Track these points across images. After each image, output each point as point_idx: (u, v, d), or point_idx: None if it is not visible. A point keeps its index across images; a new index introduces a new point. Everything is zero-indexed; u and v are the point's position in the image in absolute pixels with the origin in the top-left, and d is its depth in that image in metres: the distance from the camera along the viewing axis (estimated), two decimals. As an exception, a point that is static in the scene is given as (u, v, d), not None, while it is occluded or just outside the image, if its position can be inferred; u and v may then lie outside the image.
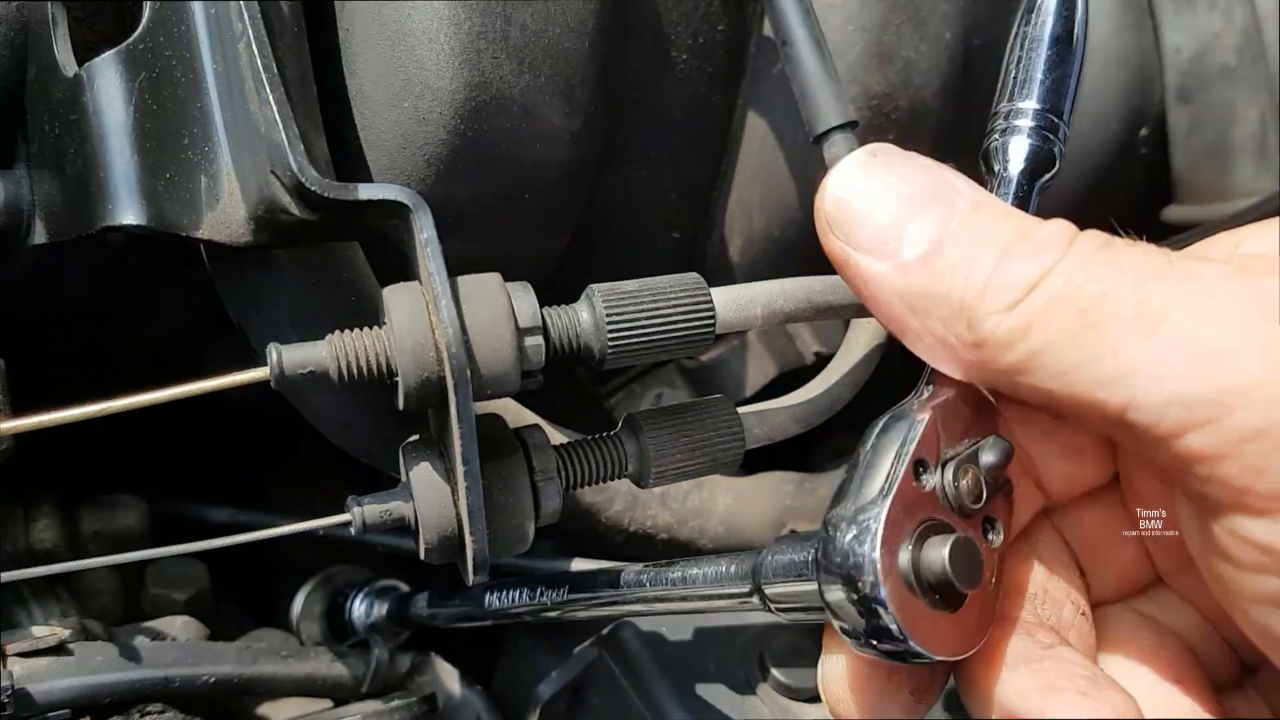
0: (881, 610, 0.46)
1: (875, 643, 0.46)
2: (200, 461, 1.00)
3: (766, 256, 0.92)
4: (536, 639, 0.83)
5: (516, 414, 0.73)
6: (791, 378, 0.95)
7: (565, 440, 0.82)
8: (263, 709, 0.79)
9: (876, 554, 0.46)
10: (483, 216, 0.71)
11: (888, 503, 0.47)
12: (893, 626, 0.46)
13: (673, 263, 0.92)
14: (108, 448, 0.95)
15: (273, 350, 0.53)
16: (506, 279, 0.63)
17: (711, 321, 0.60)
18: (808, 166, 0.88)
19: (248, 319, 0.61)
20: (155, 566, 0.87)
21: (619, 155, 0.83)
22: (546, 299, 0.58)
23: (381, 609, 0.87)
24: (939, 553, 0.46)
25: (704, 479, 0.94)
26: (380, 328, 0.55)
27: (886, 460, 0.49)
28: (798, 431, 0.68)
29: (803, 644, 0.74)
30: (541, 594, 0.67)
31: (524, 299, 0.57)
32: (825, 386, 0.69)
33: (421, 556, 0.59)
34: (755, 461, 0.85)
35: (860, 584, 0.46)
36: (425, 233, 0.53)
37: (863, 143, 0.75)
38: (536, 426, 0.62)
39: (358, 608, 0.89)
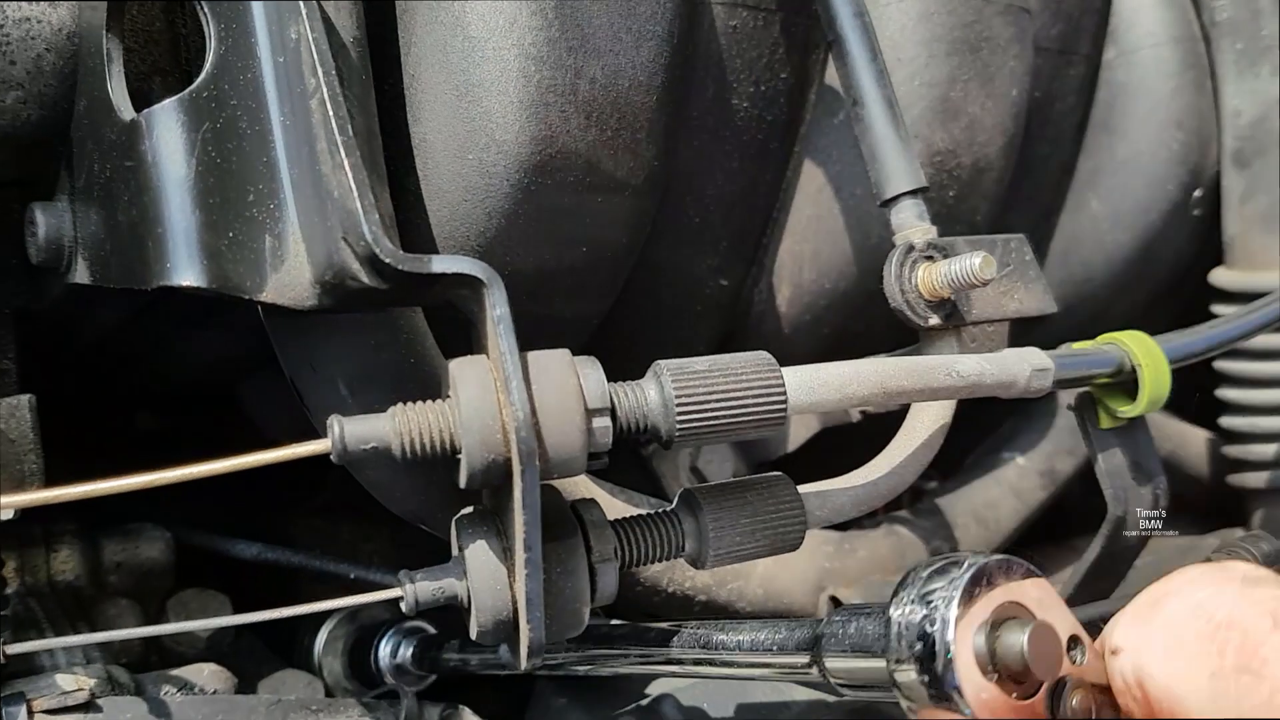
0: (955, 695, 0.44)
1: None
2: (224, 489, 0.97)
3: (815, 309, 0.90)
4: (568, 698, 0.80)
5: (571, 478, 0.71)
6: (835, 435, 0.93)
7: (604, 492, 0.81)
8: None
9: (952, 635, 0.44)
10: (538, 272, 0.69)
11: (965, 579, 0.46)
12: (965, 713, 0.44)
13: (717, 310, 0.89)
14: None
15: (334, 424, 0.50)
16: (554, 332, 0.61)
17: (783, 404, 0.57)
18: (865, 221, 0.85)
19: (302, 376, 0.58)
20: (177, 599, 0.85)
21: (674, 202, 0.80)
22: (590, 348, 0.56)
23: (408, 652, 0.84)
24: (1018, 638, 0.45)
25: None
26: (443, 400, 0.53)
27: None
28: (858, 515, 0.66)
29: (849, 725, 0.71)
30: (586, 647, 0.65)
31: (593, 377, 0.54)
32: (889, 468, 0.66)
33: (473, 637, 0.57)
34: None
35: (934, 666, 0.45)
36: (499, 309, 0.50)
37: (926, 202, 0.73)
38: (593, 502, 0.60)
39: (384, 650, 0.86)
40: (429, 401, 0.53)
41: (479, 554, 0.56)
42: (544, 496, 0.60)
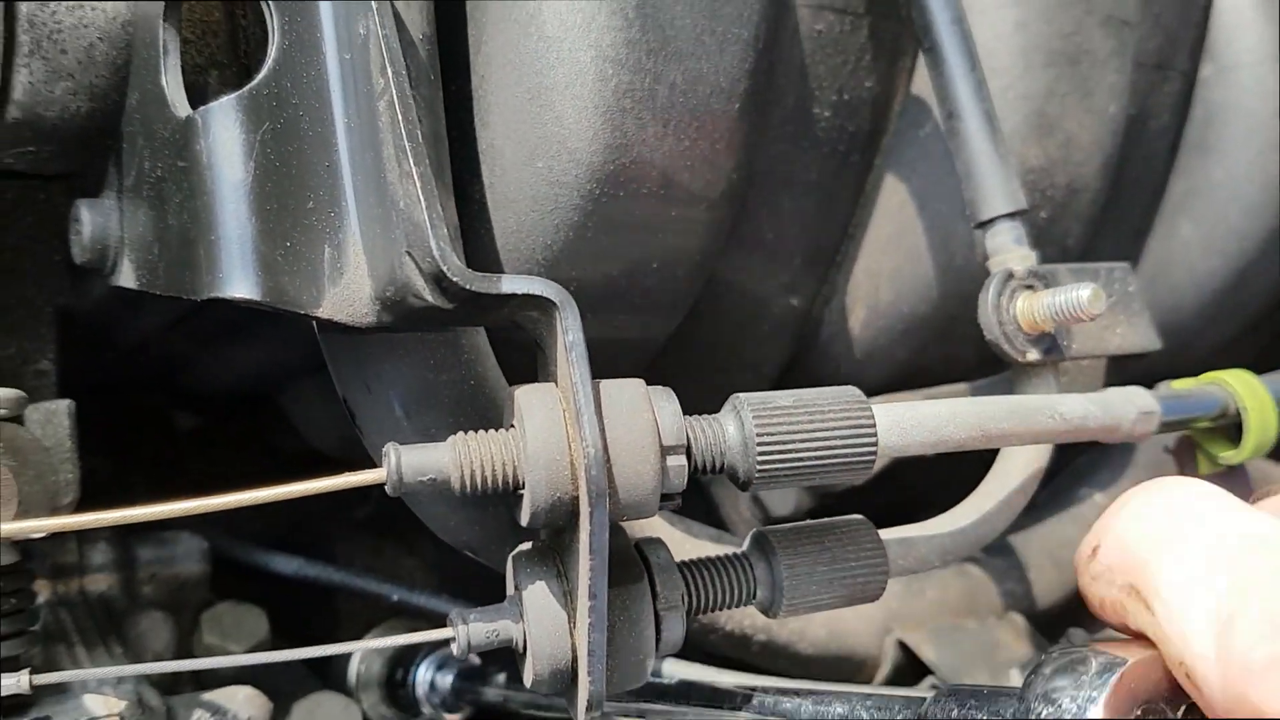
0: None
1: None
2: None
3: (891, 333, 0.84)
4: (616, 738, 0.76)
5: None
6: (907, 466, 0.88)
7: (664, 522, 0.76)
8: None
9: None
10: (607, 290, 0.64)
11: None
12: None
13: (786, 330, 0.85)
14: (168, 485, 0.90)
15: (391, 453, 0.46)
16: (617, 353, 0.56)
17: (873, 447, 0.52)
18: (949, 240, 0.80)
19: (356, 396, 0.54)
20: (212, 614, 0.82)
21: (748, 214, 0.76)
22: (649, 367, 0.51)
23: (447, 680, 0.81)
24: None
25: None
26: (507, 430, 0.49)
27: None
28: (943, 566, 0.61)
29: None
30: (645, 700, 0.60)
31: (668, 410, 0.50)
32: (979, 515, 0.61)
33: (527, 684, 0.53)
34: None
35: None
36: (571, 334, 0.46)
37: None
38: (659, 542, 0.56)
39: (422, 676, 0.83)
40: (492, 431, 0.48)
41: (538, 597, 0.51)
42: (609, 537, 0.56)
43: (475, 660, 0.82)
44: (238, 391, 0.82)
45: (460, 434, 0.48)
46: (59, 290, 0.67)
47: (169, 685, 0.73)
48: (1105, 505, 0.98)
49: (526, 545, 0.54)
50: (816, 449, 0.51)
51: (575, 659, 0.51)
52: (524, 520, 0.49)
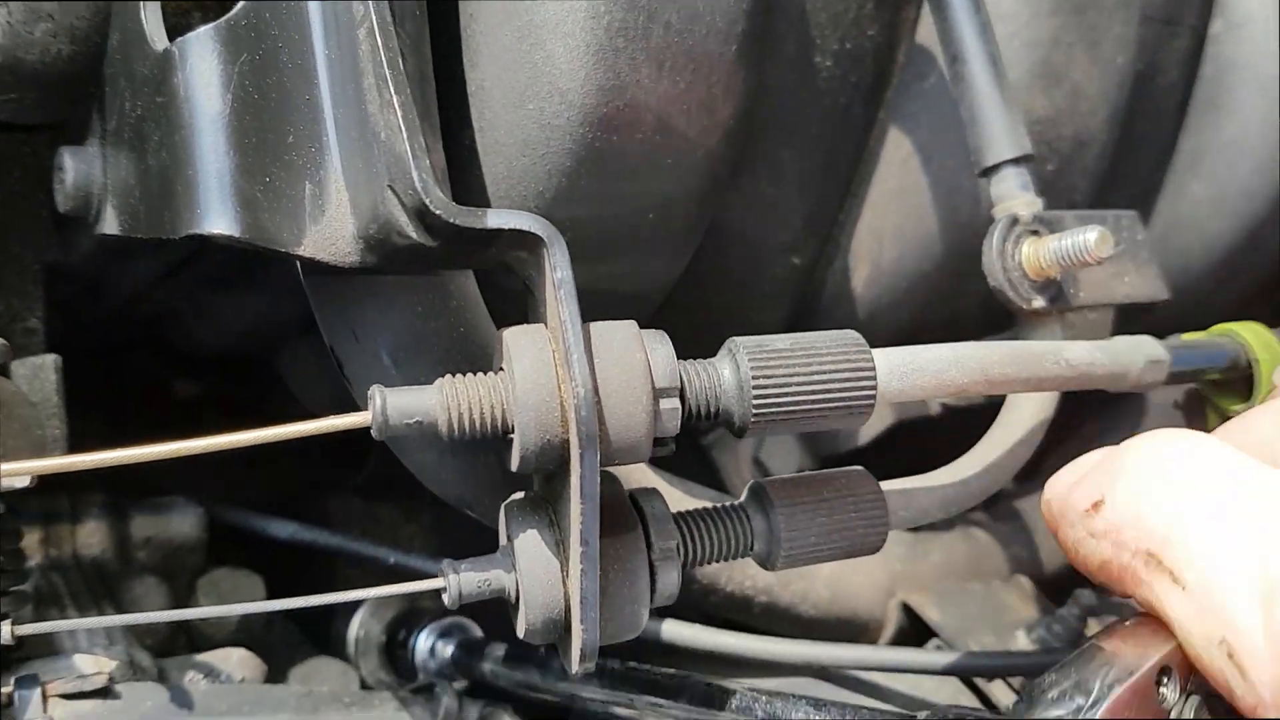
0: None
1: None
2: (259, 463, 0.93)
3: (895, 291, 0.83)
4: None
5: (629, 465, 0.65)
6: (911, 429, 0.86)
7: (663, 481, 0.75)
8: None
9: None
10: (601, 235, 0.63)
11: (1115, 695, 0.39)
12: None
13: (787, 291, 0.83)
14: (144, 423, 0.89)
15: (376, 395, 0.45)
16: (613, 306, 0.55)
17: (872, 391, 0.51)
18: (954, 195, 0.78)
19: (343, 345, 0.53)
20: (208, 580, 0.81)
21: (747, 169, 0.74)
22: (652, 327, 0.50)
23: (446, 650, 0.79)
24: None
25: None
26: (495, 373, 0.47)
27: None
28: (945, 517, 0.59)
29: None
30: (633, 691, 0.59)
31: (661, 353, 0.48)
32: (982, 465, 0.60)
33: (520, 635, 0.52)
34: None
35: None
36: (560, 272, 0.44)
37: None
38: (655, 492, 0.54)
39: (422, 644, 0.81)
40: (480, 374, 0.47)
41: (530, 545, 0.50)
42: (602, 485, 0.54)
43: (477, 632, 0.81)
44: (231, 353, 0.81)
45: (448, 376, 0.46)
46: (46, 246, 0.66)
47: (162, 648, 0.72)
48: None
49: (519, 495, 0.53)
50: (814, 392, 0.50)
51: (568, 608, 0.50)
52: (514, 465, 0.47)
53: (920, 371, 0.52)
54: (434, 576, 0.80)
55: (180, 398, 1.03)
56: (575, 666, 0.50)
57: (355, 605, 0.86)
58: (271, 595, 0.82)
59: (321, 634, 0.86)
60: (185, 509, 0.81)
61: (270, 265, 0.62)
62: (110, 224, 0.56)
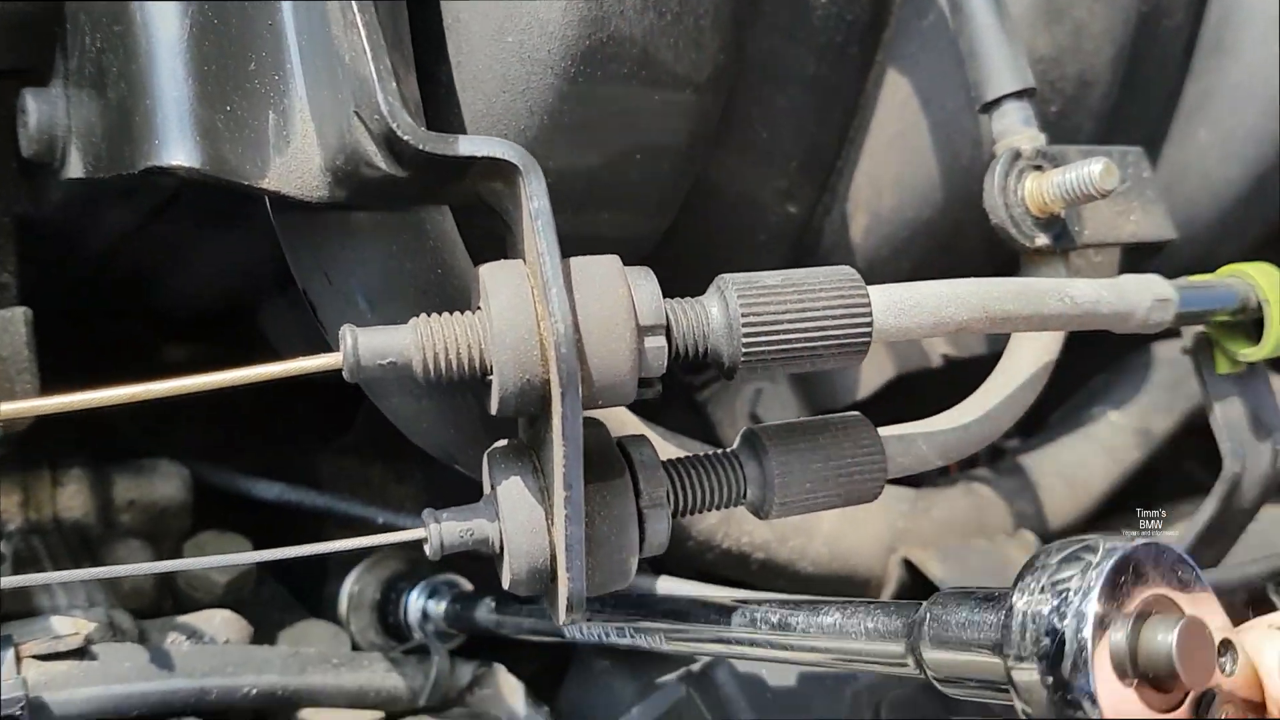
0: (1086, 702, 0.37)
1: None
2: (247, 425, 0.91)
3: (894, 240, 0.80)
4: (611, 661, 0.73)
5: (616, 415, 0.63)
6: (912, 382, 0.84)
7: (657, 435, 0.73)
8: (304, 714, 0.71)
9: (1089, 632, 0.37)
10: (586, 180, 0.61)
11: (1107, 568, 0.38)
12: (1093, 717, 0.37)
13: (783, 240, 0.81)
14: (145, 407, 0.87)
15: (347, 334, 0.43)
16: (601, 252, 0.53)
17: (868, 328, 0.49)
18: (955, 139, 0.76)
19: (316, 287, 0.51)
20: (194, 543, 0.79)
21: (739, 112, 0.72)
22: None
23: (439, 608, 0.78)
24: (1165, 637, 0.37)
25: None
26: (474, 313, 0.45)
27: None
28: (944, 464, 0.58)
29: (926, 701, 0.63)
30: (637, 624, 0.57)
31: (645, 288, 0.46)
32: (983, 411, 0.58)
33: (505, 586, 0.50)
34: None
35: (1063, 666, 0.37)
36: (536, 201, 0.42)
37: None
38: (644, 439, 0.52)
39: (413, 605, 0.80)
40: (457, 313, 0.45)
41: (513, 492, 0.48)
42: (588, 431, 0.52)
43: (467, 585, 0.80)
44: (213, 310, 0.79)
45: (423, 315, 0.45)
46: (15, 197, 0.64)
47: (147, 613, 0.71)
48: (1119, 424, 0.95)
49: (502, 442, 0.51)
50: (807, 329, 0.48)
51: (554, 557, 0.48)
52: (494, 407, 0.45)
53: (918, 308, 0.50)
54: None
55: (168, 362, 1.01)
56: (562, 617, 0.49)
57: (348, 567, 0.85)
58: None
59: (313, 597, 0.84)
60: (169, 471, 0.79)
61: (244, 212, 0.60)
62: (75, 167, 0.54)
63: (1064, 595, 0.38)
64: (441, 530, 0.49)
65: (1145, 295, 0.57)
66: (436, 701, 0.71)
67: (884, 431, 0.56)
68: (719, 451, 0.54)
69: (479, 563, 0.69)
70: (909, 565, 0.78)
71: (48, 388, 0.82)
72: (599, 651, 0.74)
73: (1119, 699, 0.37)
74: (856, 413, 0.56)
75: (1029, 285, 0.52)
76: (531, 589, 0.50)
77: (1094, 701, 0.37)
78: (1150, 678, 0.38)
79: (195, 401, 0.94)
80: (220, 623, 0.65)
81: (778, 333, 0.47)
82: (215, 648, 0.62)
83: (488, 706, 0.72)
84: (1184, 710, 0.38)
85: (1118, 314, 0.55)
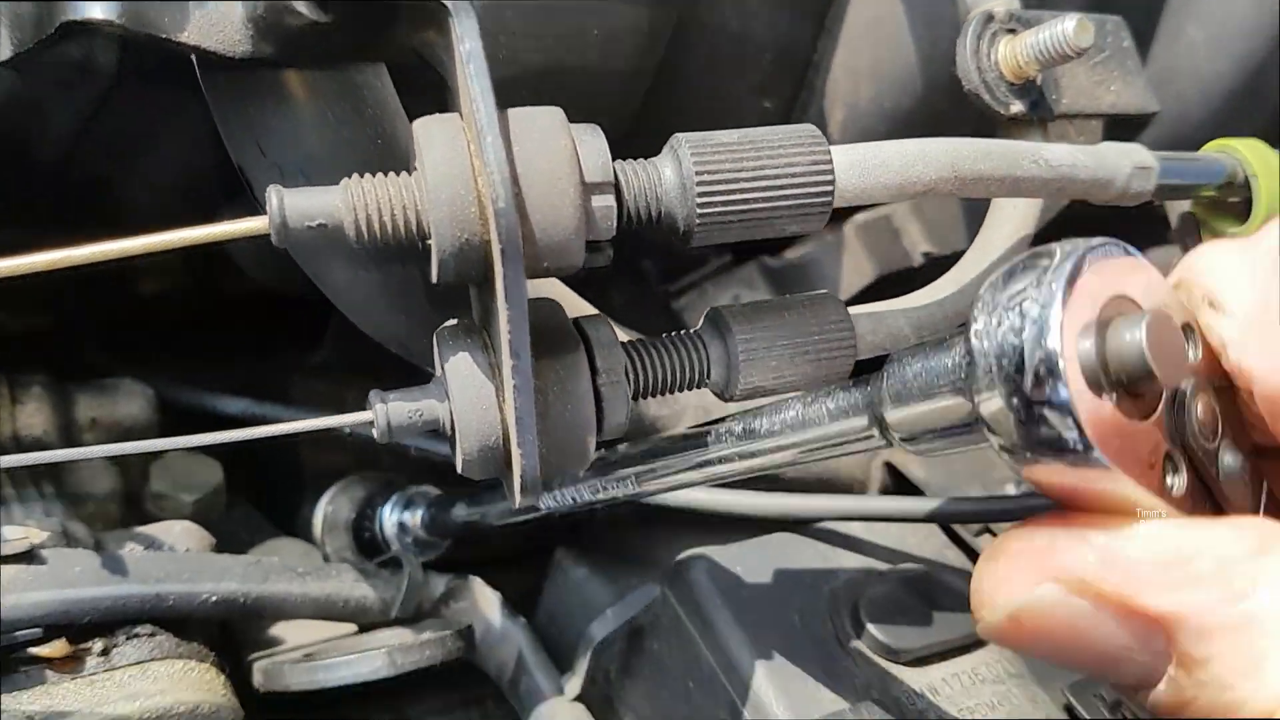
0: (1061, 417, 0.34)
1: (1044, 459, 0.34)
2: (215, 349, 0.89)
3: (873, 133, 0.78)
4: (588, 568, 0.72)
5: (575, 306, 0.61)
6: (896, 282, 0.82)
7: (621, 329, 0.71)
8: (276, 630, 0.69)
9: (1057, 342, 0.34)
10: (542, 65, 0.58)
11: (1065, 269, 0.35)
12: (1071, 435, 0.33)
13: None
14: (109, 327, 0.85)
15: (273, 194, 0.41)
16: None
17: (829, 187, 0.46)
18: (934, 24, 0.73)
19: (249, 160, 0.49)
20: (161, 463, 0.77)
21: (704, 3, 0.69)
22: None
23: (416, 518, 0.76)
24: (1134, 335, 0.34)
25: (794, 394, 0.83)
26: (411, 174, 0.43)
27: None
28: (919, 341, 0.55)
29: (906, 597, 0.62)
30: (608, 475, 0.55)
31: (591, 144, 0.44)
32: (958, 286, 0.55)
33: (459, 469, 0.48)
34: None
35: (1031, 385, 0.34)
36: (468, 43, 0.40)
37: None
38: (601, 318, 0.50)
39: (388, 517, 0.78)
40: (392, 174, 0.43)
41: (462, 369, 0.46)
42: (542, 309, 0.50)
43: (434, 491, 0.78)
44: (172, 221, 0.76)
45: (355, 176, 0.42)
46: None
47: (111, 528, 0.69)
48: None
49: (452, 322, 0.49)
50: (765, 189, 0.46)
51: (506, 436, 0.46)
52: (434, 274, 0.43)
53: (883, 167, 0.48)
54: (395, 448, 0.77)
55: (142, 292, 0.99)
56: (517, 498, 0.47)
57: (323, 487, 0.83)
58: (229, 481, 0.79)
59: (287, 520, 0.83)
60: (133, 390, 0.77)
61: (186, 106, 0.57)
62: (4, 47, 0.51)
63: (1022, 308, 0.34)
64: (389, 410, 0.47)
65: (1125, 162, 0.54)
66: (409, 613, 0.69)
67: (855, 309, 0.54)
68: (682, 332, 0.52)
69: (466, 486, 0.68)
70: (891, 469, 0.77)
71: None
72: (576, 560, 0.73)
73: (1097, 412, 0.34)
74: (825, 291, 0.54)
75: (1002, 145, 0.50)
76: (485, 470, 0.48)
77: (1070, 415, 0.33)
78: (1124, 385, 0.35)
79: (161, 323, 0.92)
80: (180, 532, 0.63)
81: (734, 192, 0.45)
82: (171, 554, 0.60)
83: (463, 618, 0.70)
84: (1159, 413, 0.36)
85: (1096, 180, 0.53)
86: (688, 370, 0.51)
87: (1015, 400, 0.34)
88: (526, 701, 0.67)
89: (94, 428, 0.75)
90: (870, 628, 0.60)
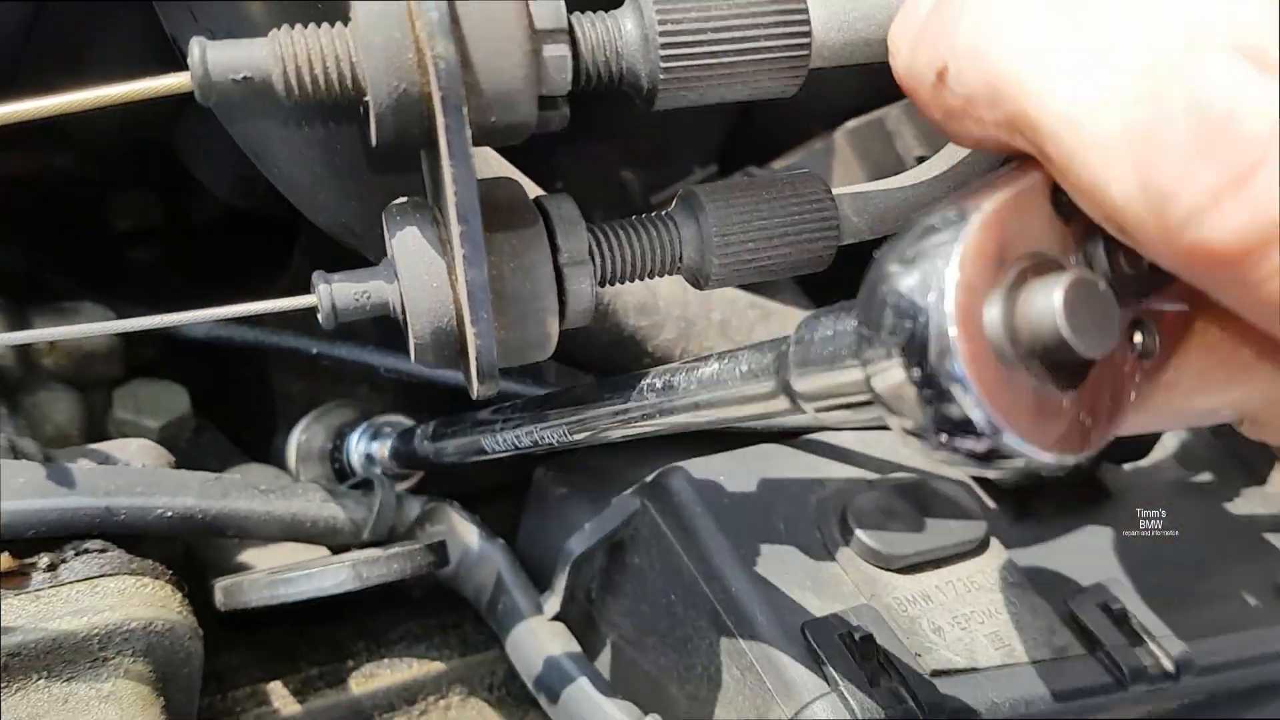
0: (957, 389, 0.29)
1: (952, 441, 0.30)
2: (187, 283, 0.86)
3: None
4: (569, 489, 0.69)
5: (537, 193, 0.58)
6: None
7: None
8: (245, 556, 0.67)
9: (949, 304, 0.29)
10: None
11: (971, 225, 0.30)
12: (976, 413, 0.29)
13: None
14: (82, 265, 0.82)
15: (196, 46, 0.37)
16: None
17: (805, 39, 0.43)
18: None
19: (182, 27, 0.45)
20: (126, 389, 0.75)
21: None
22: None
23: (384, 449, 0.73)
24: (1047, 299, 0.29)
25: (776, 308, 0.79)
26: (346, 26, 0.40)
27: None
28: (905, 222, 0.52)
29: (897, 505, 0.59)
30: (543, 423, 0.53)
31: (543, -9, 0.40)
32: (949, 165, 0.52)
33: (413, 357, 0.45)
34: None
35: (922, 354, 0.29)
36: (401, -126, 0.36)
37: None
38: (565, 197, 0.47)
39: (355, 447, 0.76)
40: (325, 25, 0.39)
41: (410, 244, 0.43)
42: (500, 185, 0.47)
43: (406, 421, 0.76)
44: (130, 136, 0.73)
45: (285, 27, 0.39)
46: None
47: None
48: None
49: (402, 199, 0.46)
50: (735, 42, 0.42)
51: (460, 317, 0.43)
52: (374, 133, 0.40)
53: (866, 20, 0.44)
54: (360, 364, 0.74)
55: (118, 230, 0.96)
56: (475, 387, 0.44)
57: (296, 417, 0.81)
58: (198, 407, 0.76)
59: (260, 450, 0.80)
60: (94, 313, 0.74)
61: (125, 14, 0.54)
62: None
63: (924, 266, 0.30)
64: (333, 292, 0.44)
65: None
66: (382, 535, 0.66)
67: (839, 190, 0.51)
68: (653, 213, 0.49)
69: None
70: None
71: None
72: (555, 480, 0.70)
73: (1000, 385, 0.29)
74: (806, 170, 0.50)
75: None
76: (439, 355, 0.44)
77: (965, 389, 0.28)
78: (1041, 356, 0.30)
79: (135, 265, 0.89)
80: (137, 449, 0.60)
81: (700, 44, 0.42)
82: (123, 469, 0.58)
83: (436, 540, 0.67)
84: (1092, 377, 0.31)
85: None
86: (659, 253, 0.48)
87: (914, 370, 0.29)
88: (504, 622, 0.64)
89: (53, 352, 0.72)
90: (859, 534, 0.57)
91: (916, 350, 0.29)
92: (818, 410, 0.38)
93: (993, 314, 0.30)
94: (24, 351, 0.71)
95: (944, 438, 0.30)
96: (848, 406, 0.36)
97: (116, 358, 0.75)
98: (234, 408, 0.83)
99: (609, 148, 0.79)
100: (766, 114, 0.84)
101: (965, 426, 0.29)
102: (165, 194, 0.92)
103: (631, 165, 0.81)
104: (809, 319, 0.38)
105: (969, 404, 0.29)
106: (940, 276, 0.29)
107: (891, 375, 0.30)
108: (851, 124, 0.80)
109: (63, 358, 0.72)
